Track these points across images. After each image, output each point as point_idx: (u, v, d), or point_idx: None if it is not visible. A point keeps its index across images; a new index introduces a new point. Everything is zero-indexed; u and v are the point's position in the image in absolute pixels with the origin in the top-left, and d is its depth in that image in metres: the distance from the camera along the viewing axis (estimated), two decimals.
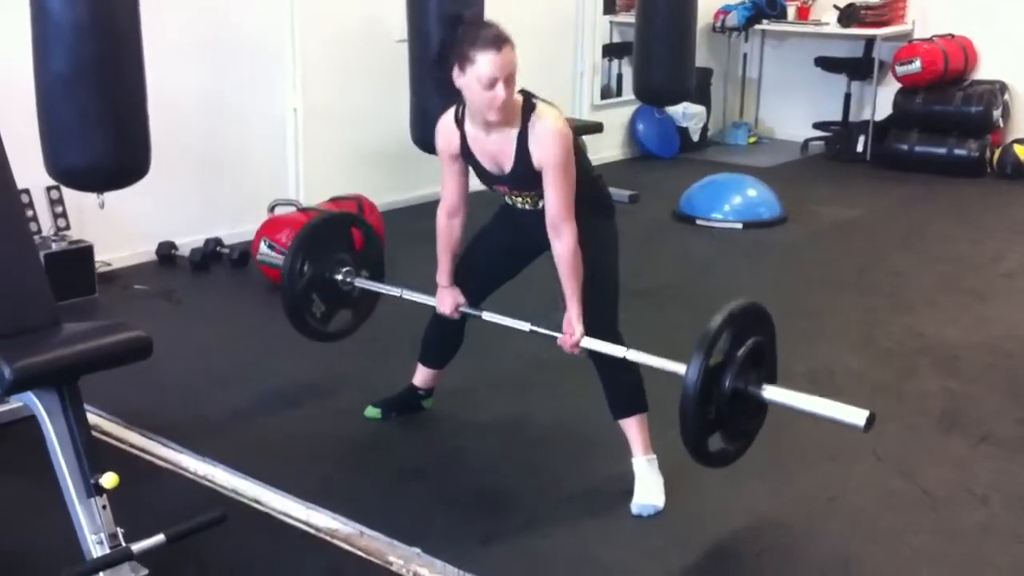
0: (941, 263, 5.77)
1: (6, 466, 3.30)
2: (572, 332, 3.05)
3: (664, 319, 4.71)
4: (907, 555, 2.92)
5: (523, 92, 3.04)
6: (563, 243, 3.00)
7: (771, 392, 2.83)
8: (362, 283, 3.71)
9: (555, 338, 3.11)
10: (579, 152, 3.12)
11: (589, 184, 3.14)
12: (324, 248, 3.68)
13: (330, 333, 3.76)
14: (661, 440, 3.29)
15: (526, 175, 3.03)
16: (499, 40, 2.89)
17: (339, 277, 3.68)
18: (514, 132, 2.99)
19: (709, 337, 2.73)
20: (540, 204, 3.09)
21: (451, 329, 3.50)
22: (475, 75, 2.88)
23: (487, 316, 3.32)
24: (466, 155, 3.14)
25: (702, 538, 2.97)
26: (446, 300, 3.35)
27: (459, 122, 3.10)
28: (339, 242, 3.75)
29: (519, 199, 3.17)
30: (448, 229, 3.30)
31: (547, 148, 2.96)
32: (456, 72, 2.93)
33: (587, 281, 3.09)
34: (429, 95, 5.26)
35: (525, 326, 3.23)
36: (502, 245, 3.37)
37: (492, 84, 2.89)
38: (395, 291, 3.61)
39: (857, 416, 2.69)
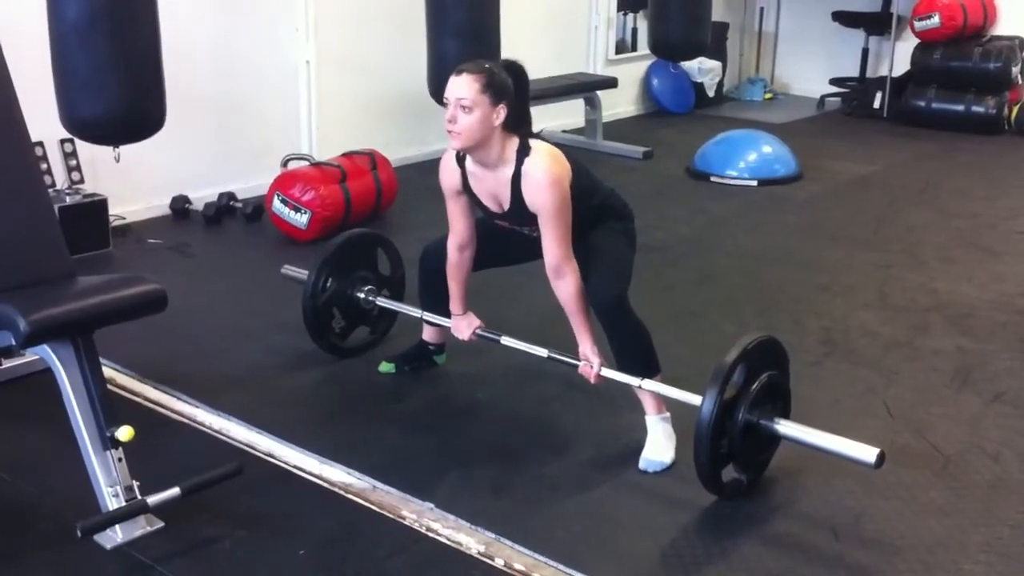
0: (956, 220, 5.74)
1: (24, 418, 3.32)
2: (590, 364, 3.13)
3: (677, 276, 4.70)
4: (918, 511, 2.92)
5: (522, 134, 3.06)
6: (566, 285, 3.06)
7: (785, 427, 2.89)
8: (384, 302, 3.78)
9: (575, 366, 3.19)
10: (585, 191, 3.11)
11: (599, 208, 3.20)
12: (349, 265, 3.76)
13: (346, 348, 3.84)
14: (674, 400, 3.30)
15: (523, 213, 3.07)
16: (461, 68, 2.97)
17: (361, 295, 3.75)
18: (508, 173, 3.04)
19: (724, 371, 2.79)
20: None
21: (438, 274, 3.47)
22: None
23: (505, 341, 3.38)
24: (468, 192, 3.18)
25: (711, 495, 2.97)
26: (461, 327, 3.43)
27: (460, 161, 3.15)
28: (364, 261, 3.83)
29: (525, 229, 3.19)
30: (459, 262, 3.33)
31: (539, 196, 2.99)
32: None
33: (600, 259, 3.14)
34: (447, 45, 5.24)
35: (543, 352, 3.30)
36: (503, 235, 3.33)
37: (447, 106, 2.97)
38: (415, 312, 3.66)
39: (868, 453, 2.74)
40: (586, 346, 3.14)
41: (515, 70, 3.05)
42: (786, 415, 2.96)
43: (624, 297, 3.15)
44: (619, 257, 3.20)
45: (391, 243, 3.95)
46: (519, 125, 3.04)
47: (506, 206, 3.10)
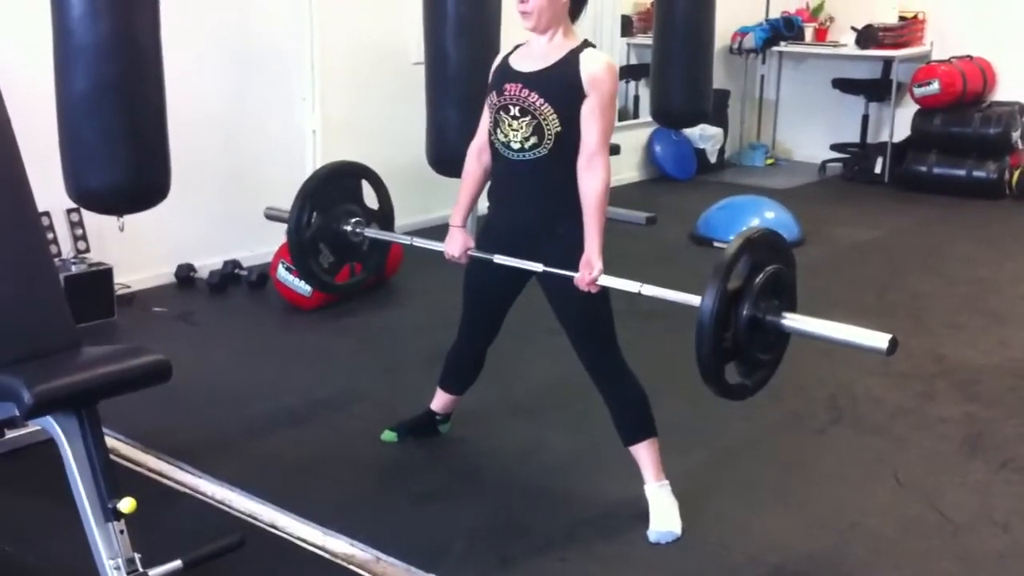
0: (960, 285, 5.74)
1: (26, 488, 3.31)
2: (591, 268, 2.99)
3: (680, 344, 4.67)
4: None
5: (586, 39, 3.07)
6: (597, 178, 2.96)
7: (790, 320, 2.75)
8: (372, 233, 3.68)
9: (571, 279, 3.02)
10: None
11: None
12: (333, 199, 3.65)
13: (338, 286, 3.72)
14: (681, 466, 3.28)
15: (554, 78, 2.99)
16: None
17: (348, 228, 3.66)
18: (566, 50, 3.01)
19: (726, 261, 2.66)
20: (529, 143, 3.02)
21: (474, 353, 3.50)
22: None
23: (499, 259, 3.19)
24: (501, 65, 3.13)
25: (722, 565, 2.95)
26: (456, 241, 3.31)
27: (515, 48, 3.16)
28: (348, 193, 3.72)
29: (514, 123, 3.04)
30: (476, 167, 3.28)
31: (601, 72, 2.96)
32: None
33: (581, 321, 3.12)
34: (446, 117, 5.27)
35: (538, 267, 3.11)
36: (486, 287, 3.33)
37: None
38: (405, 240, 3.61)
39: (879, 340, 2.60)
40: (592, 248, 2.98)
41: None
42: (792, 309, 2.82)
43: (615, 359, 3.14)
44: (598, 312, 3.11)
45: (376, 174, 3.85)
46: (577, 15, 3.06)
47: (536, 68, 3.02)
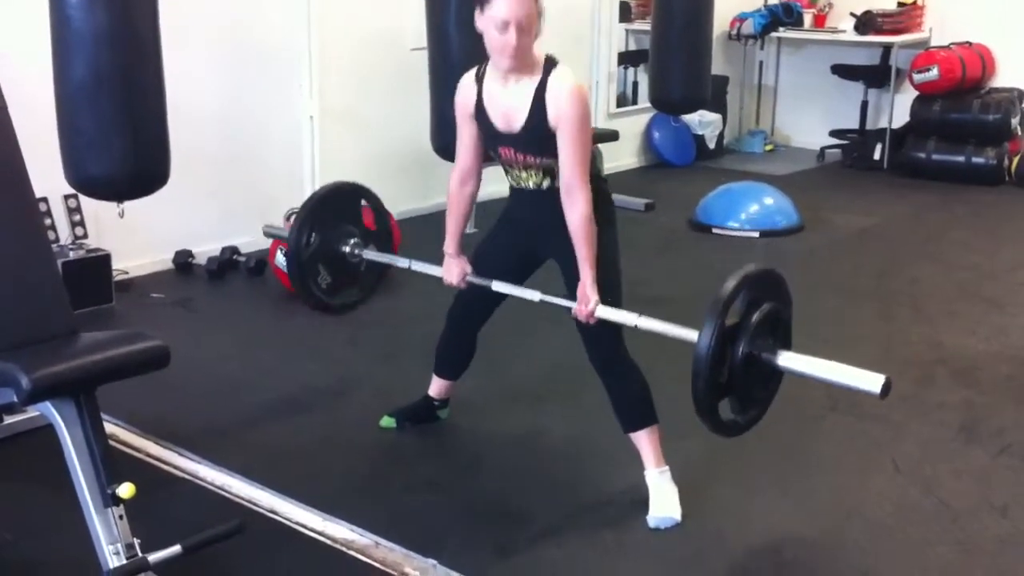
0: (959, 272, 5.74)
1: (24, 475, 3.31)
2: (587, 301, 2.99)
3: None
4: (927, 568, 2.90)
5: (547, 56, 3.03)
6: (576, 211, 2.96)
7: (785, 358, 2.75)
8: (370, 255, 3.68)
9: (568, 308, 3.04)
10: (593, 156, 3.09)
11: (593, 183, 3.07)
12: (332, 219, 3.65)
13: (335, 306, 3.73)
14: (679, 453, 3.28)
15: (536, 132, 2.98)
16: None
17: (347, 249, 3.66)
18: (532, 85, 2.98)
19: (725, 297, 2.67)
20: (544, 183, 3.08)
21: (464, 338, 3.51)
22: (491, 17, 2.90)
23: (496, 286, 3.24)
24: (479, 112, 3.11)
25: (720, 551, 2.95)
26: (453, 270, 3.33)
27: (479, 78, 3.10)
28: (347, 214, 3.71)
29: (523, 173, 3.10)
30: (459, 196, 3.29)
31: (565, 103, 2.93)
32: (477, 14, 2.94)
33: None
34: (449, 103, 5.28)
35: (536, 296, 3.15)
36: (502, 261, 3.33)
37: (505, 27, 2.89)
38: (403, 263, 3.60)
39: (873, 382, 2.61)
40: (587, 280, 2.98)
41: None
42: (787, 348, 2.83)
43: (619, 350, 3.13)
44: (610, 294, 3.08)
45: (374, 195, 3.83)
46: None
47: (519, 123, 3.01)
